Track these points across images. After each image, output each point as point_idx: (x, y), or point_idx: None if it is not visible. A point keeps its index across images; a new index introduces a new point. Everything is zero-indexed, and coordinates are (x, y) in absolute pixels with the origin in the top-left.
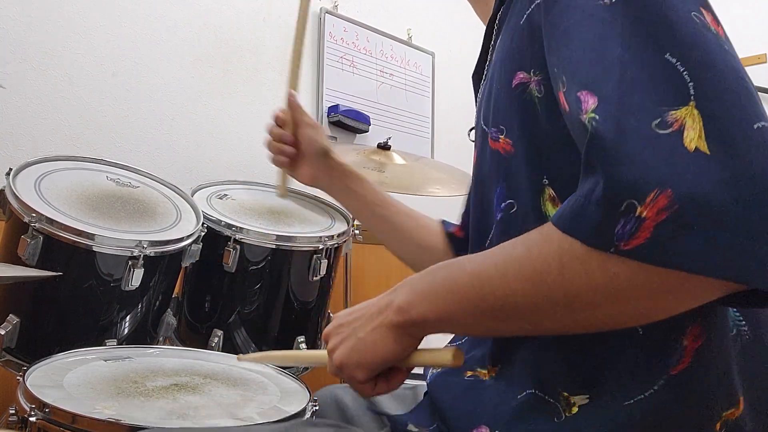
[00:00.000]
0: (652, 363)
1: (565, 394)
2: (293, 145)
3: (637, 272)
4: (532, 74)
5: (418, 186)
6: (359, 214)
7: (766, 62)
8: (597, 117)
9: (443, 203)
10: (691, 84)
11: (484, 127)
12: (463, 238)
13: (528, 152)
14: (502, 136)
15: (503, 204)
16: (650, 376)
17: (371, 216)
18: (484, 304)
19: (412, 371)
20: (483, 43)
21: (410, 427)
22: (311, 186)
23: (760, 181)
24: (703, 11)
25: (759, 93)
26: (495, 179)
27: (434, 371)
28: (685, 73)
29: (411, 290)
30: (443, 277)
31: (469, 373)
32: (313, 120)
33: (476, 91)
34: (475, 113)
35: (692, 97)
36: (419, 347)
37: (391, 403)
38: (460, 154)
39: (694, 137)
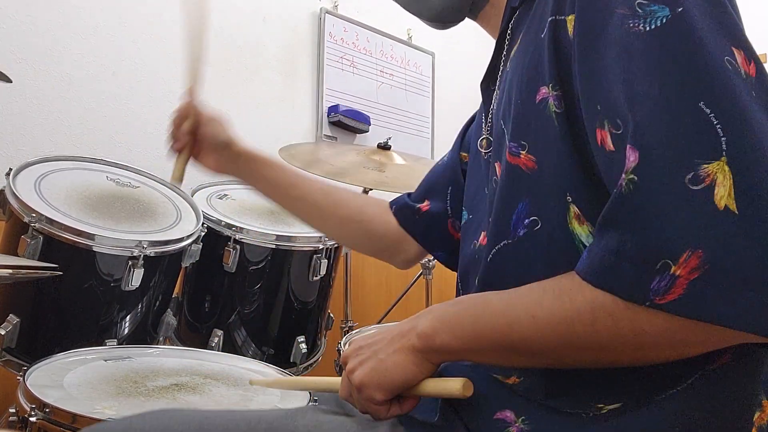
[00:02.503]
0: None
1: (599, 405)
2: (193, 135)
3: (665, 326)
4: (550, 89)
5: None
6: (274, 197)
7: (766, 62)
8: (636, 179)
9: None
10: (723, 138)
11: (507, 140)
12: (429, 213)
13: (552, 169)
14: (523, 152)
15: (527, 221)
16: (684, 368)
17: (287, 198)
18: (509, 343)
19: None
20: (494, 53)
21: (415, 415)
22: (219, 173)
23: None
24: (735, 51)
25: None
26: (515, 195)
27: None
28: (718, 126)
29: (436, 318)
30: (468, 310)
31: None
32: (215, 112)
33: (485, 102)
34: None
35: (724, 153)
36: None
37: None
38: None
39: (724, 195)
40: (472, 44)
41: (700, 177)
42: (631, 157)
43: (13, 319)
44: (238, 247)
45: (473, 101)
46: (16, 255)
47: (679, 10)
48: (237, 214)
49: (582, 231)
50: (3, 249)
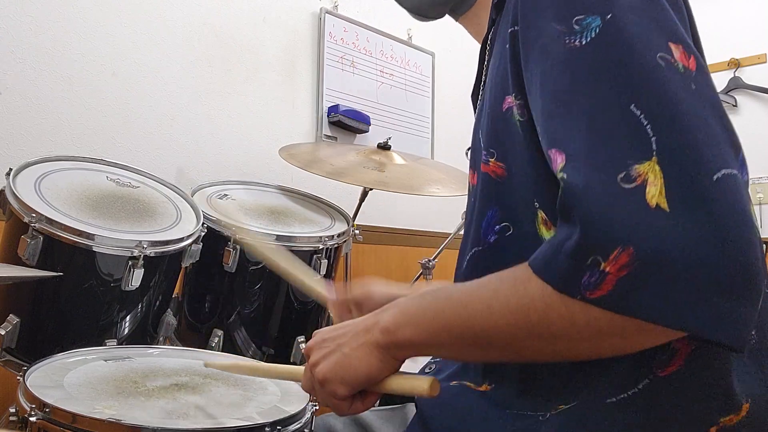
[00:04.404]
0: (637, 363)
1: (561, 406)
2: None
3: (600, 319)
4: (514, 98)
5: (418, 186)
6: None
7: (766, 62)
8: (565, 176)
9: (443, 203)
10: (653, 138)
11: (478, 148)
12: None
13: (520, 176)
14: (492, 160)
15: (497, 227)
16: (634, 375)
17: None
18: (469, 334)
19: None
20: (478, 65)
21: None
22: None
23: (712, 239)
24: (672, 46)
25: (759, 93)
26: (486, 202)
27: None
28: (648, 126)
29: (399, 312)
30: (431, 304)
31: (454, 383)
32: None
33: (474, 112)
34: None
35: (654, 153)
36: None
37: (382, 426)
38: (460, 154)
39: (655, 193)
40: (472, 44)
41: (632, 177)
42: (558, 158)
43: (13, 319)
44: (238, 247)
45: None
46: (17, 255)
47: (609, 17)
48: (237, 214)
49: (550, 236)
50: (3, 249)
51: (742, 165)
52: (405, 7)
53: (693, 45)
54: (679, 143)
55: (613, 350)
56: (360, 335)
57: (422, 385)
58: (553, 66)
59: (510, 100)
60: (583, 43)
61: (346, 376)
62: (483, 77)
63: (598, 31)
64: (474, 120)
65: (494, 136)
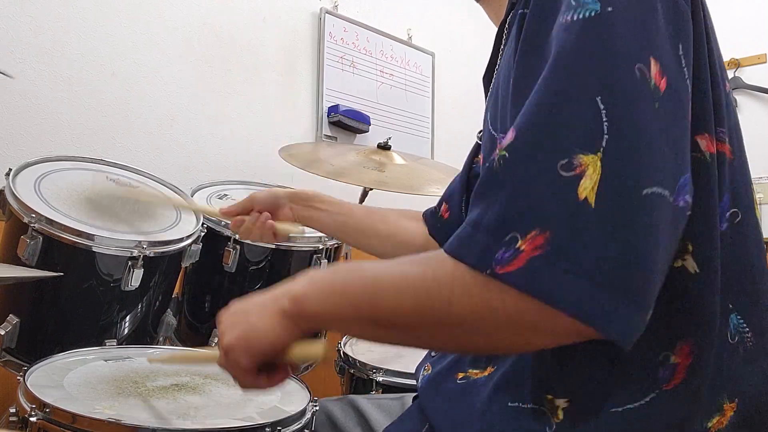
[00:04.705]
0: (644, 377)
1: (549, 396)
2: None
3: (513, 305)
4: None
5: (418, 186)
6: (329, 230)
7: (766, 62)
8: (506, 155)
9: None
10: (606, 136)
11: (492, 131)
12: (449, 220)
13: None
14: None
15: None
16: (642, 387)
17: (335, 224)
18: (373, 313)
19: (402, 380)
20: (493, 46)
21: None
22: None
23: (622, 245)
24: (652, 61)
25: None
26: None
27: (424, 375)
28: (606, 122)
29: (309, 283)
30: (342, 278)
31: (461, 375)
32: (250, 200)
33: (485, 95)
34: (483, 113)
35: (602, 149)
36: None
37: (379, 416)
38: (460, 154)
39: (587, 187)
40: (472, 44)
41: (573, 165)
42: (509, 135)
43: (13, 319)
44: (238, 247)
45: (473, 101)
46: (16, 255)
47: (609, 9)
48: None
49: None
50: (3, 249)
51: (681, 190)
52: None
53: (681, 61)
54: (627, 150)
55: (526, 339)
56: (267, 304)
57: (317, 350)
58: (540, 57)
59: None
60: (575, 19)
61: (250, 344)
62: (498, 60)
63: (592, 14)
64: (485, 104)
65: (508, 120)
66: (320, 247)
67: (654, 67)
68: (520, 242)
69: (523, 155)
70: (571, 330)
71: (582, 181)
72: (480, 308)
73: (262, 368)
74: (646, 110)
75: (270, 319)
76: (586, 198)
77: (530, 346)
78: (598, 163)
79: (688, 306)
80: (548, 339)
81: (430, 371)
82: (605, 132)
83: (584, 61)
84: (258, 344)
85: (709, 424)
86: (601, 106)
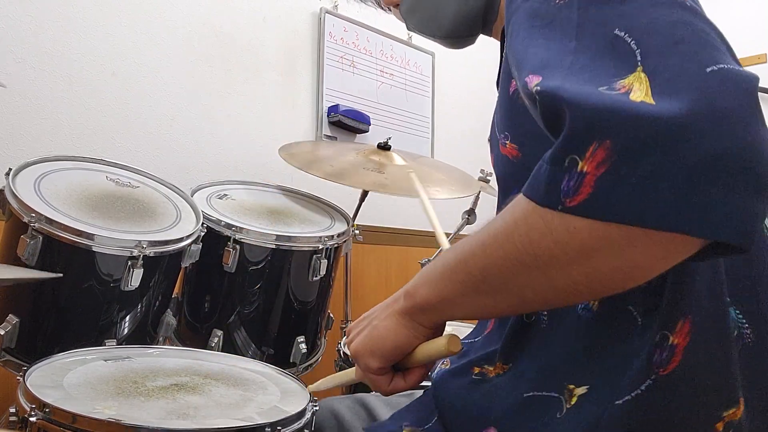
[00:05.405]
0: (638, 364)
1: (571, 386)
2: None
3: (593, 227)
4: (516, 79)
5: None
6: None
7: (766, 62)
8: (539, 86)
9: (443, 203)
10: (638, 51)
11: (497, 133)
12: None
13: (531, 156)
14: (508, 142)
15: None
16: (636, 377)
17: None
18: (470, 280)
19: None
20: (500, 54)
21: (405, 431)
22: None
23: (704, 119)
24: None
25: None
26: (510, 183)
27: (441, 368)
28: (632, 42)
29: (419, 275)
30: (442, 259)
31: (477, 370)
32: None
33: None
34: (483, 113)
35: (639, 63)
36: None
37: (389, 413)
38: (460, 154)
39: (640, 95)
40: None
41: (616, 88)
42: (534, 79)
43: (12, 319)
44: (238, 247)
45: (473, 101)
46: (16, 255)
47: None
48: (237, 214)
49: None
50: (3, 249)
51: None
52: (439, 38)
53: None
54: (667, 43)
55: (612, 274)
56: (389, 306)
57: (441, 342)
58: (521, 16)
59: (515, 83)
60: (564, 1)
61: (375, 347)
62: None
63: None
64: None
65: (506, 119)
66: (320, 247)
67: None
68: (581, 164)
69: (559, 81)
70: (668, 245)
71: (632, 94)
72: (560, 235)
73: (397, 370)
74: (670, 12)
75: (390, 320)
76: (643, 101)
77: (619, 277)
78: (642, 75)
79: (689, 280)
80: (640, 262)
81: (448, 365)
82: (636, 48)
83: (593, 7)
84: (382, 345)
85: (725, 414)
86: (622, 33)
